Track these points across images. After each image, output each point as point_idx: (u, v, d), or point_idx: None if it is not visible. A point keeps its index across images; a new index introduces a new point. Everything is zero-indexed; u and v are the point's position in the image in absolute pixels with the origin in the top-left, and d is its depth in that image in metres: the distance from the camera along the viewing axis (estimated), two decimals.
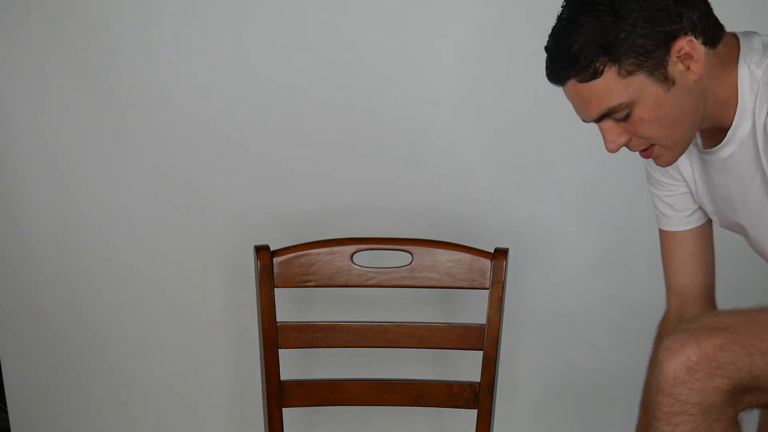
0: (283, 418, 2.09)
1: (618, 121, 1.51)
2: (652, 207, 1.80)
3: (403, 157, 2.33)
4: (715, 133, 1.59)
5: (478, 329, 2.07)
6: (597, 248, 2.38)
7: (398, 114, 2.31)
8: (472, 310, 2.18)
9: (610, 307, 2.42)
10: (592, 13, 1.46)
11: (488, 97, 2.30)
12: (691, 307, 1.81)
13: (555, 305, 2.42)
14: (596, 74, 1.47)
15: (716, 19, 1.52)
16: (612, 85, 1.47)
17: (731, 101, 1.53)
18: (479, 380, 2.08)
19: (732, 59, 1.53)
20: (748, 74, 1.52)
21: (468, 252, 2.07)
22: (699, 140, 1.64)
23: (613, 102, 1.48)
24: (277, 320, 2.07)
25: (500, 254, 2.06)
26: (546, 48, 1.52)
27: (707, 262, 1.81)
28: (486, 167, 2.33)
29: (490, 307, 2.06)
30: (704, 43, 1.49)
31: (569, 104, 1.55)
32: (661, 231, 1.81)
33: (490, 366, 2.07)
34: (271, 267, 2.06)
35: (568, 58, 1.47)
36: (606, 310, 2.42)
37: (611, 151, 1.54)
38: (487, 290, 2.06)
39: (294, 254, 2.07)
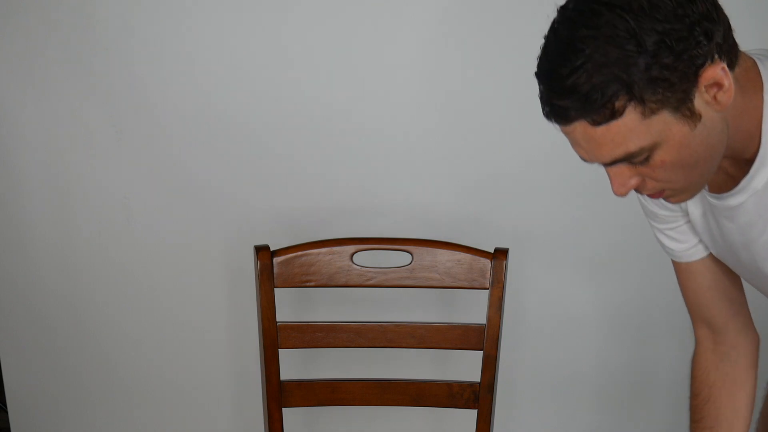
0: (283, 418, 2.09)
1: (634, 164, 1.27)
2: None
3: (404, 157, 2.33)
4: (730, 165, 1.36)
5: (478, 329, 2.07)
6: (597, 248, 2.38)
7: (399, 114, 2.31)
8: (472, 310, 2.18)
9: (610, 308, 2.42)
10: (604, 37, 1.16)
11: (488, 98, 2.30)
12: (723, 336, 1.62)
13: (555, 305, 2.42)
14: (615, 115, 1.20)
15: (733, 36, 1.26)
16: (633, 127, 1.20)
17: (755, 136, 1.29)
18: (479, 380, 2.08)
19: (753, 87, 1.28)
20: None
21: (468, 252, 2.07)
22: None
23: (632, 146, 1.22)
24: (277, 320, 2.07)
25: (500, 254, 2.06)
26: (540, 75, 1.24)
27: (730, 288, 1.59)
28: (486, 167, 2.33)
29: (490, 307, 2.06)
30: (729, 66, 1.22)
31: None
32: (672, 261, 1.61)
33: (490, 366, 2.07)
34: (271, 267, 2.06)
35: (579, 94, 1.19)
36: (605, 310, 2.42)
37: (620, 195, 1.30)
38: (487, 290, 2.06)
39: (294, 254, 2.07)
